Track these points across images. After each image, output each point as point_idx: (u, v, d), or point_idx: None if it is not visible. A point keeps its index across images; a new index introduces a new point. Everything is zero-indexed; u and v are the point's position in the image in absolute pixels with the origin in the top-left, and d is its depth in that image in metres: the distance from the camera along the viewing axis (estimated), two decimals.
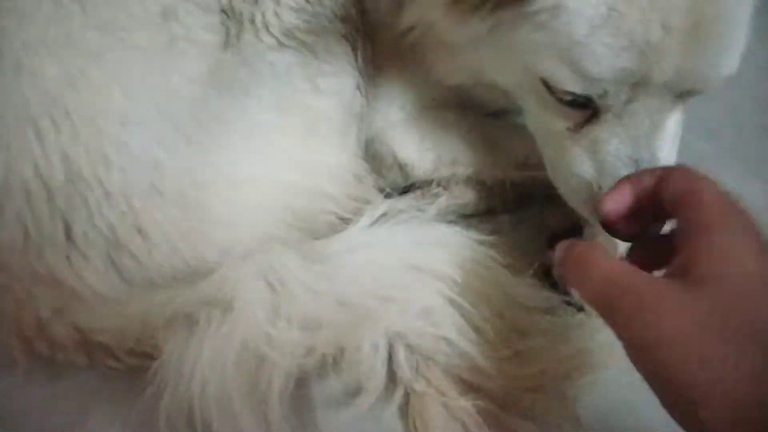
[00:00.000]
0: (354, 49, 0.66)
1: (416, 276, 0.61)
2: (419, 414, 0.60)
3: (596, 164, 0.57)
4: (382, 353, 0.60)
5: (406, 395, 0.62)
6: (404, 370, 0.60)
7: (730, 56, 0.51)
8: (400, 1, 0.63)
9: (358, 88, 0.67)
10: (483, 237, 0.71)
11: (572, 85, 0.52)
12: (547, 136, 0.62)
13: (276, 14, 0.61)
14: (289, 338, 0.53)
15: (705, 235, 0.41)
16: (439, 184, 0.80)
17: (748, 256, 0.39)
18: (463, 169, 0.79)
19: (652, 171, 0.50)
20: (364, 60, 0.68)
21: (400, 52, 0.70)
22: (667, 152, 0.56)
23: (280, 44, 0.60)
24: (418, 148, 0.77)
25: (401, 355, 0.61)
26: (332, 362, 0.58)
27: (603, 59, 0.49)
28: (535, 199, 0.81)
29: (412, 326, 0.59)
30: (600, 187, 0.57)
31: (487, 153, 0.78)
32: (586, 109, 0.55)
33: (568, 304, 0.70)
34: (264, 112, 0.60)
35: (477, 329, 0.60)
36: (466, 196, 0.80)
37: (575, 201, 0.62)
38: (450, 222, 0.78)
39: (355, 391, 0.60)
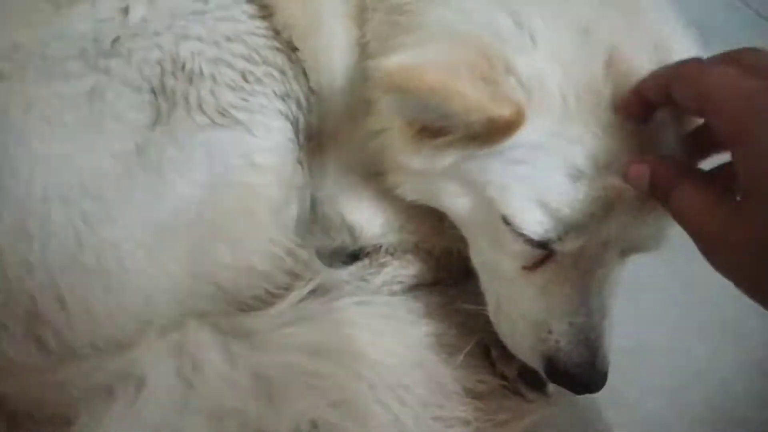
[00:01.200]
0: (294, 124, 0.66)
1: (338, 360, 0.60)
2: None
3: (547, 307, 0.57)
4: None
5: None
6: None
7: (668, 227, 0.53)
8: (368, 103, 0.64)
9: (299, 162, 0.67)
10: (420, 316, 0.71)
11: (536, 227, 0.52)
12: (496, 275, 0.61)
13: (212, 93, 0.61)
14: (197, 429, 0.53)
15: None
16: (387, 251, 0.80)
17: None
18: (411, 236, 0.78)
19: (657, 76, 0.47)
20: (306, 133, 0.68)
21: (353, 126, 0.71)
22: (614, 302, 0.57)
23: (214, 123, 0.61)
24: (366, 212, 0.77)
25: None
26: None
27: (577, 204, 0.50)
28: None
29: (330, 415, 0.58)
30: (550, 332, 0.57)
31: (435, 221, 0.78)
32: (543, 249, 0.55)
33: (505, 387, 0.69)
34: (195, 189, 0.60)
35: (396, 419, 0.59)
36: (413, 266, 0.79)
37: (521, 345, 0.61)
38: (394, 293, 0.79)
39: None
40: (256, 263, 0.63)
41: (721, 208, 0.39)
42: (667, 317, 0.81)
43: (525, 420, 0.65)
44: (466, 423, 0.63)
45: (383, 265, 0.78)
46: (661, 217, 0.52)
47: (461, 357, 0.69)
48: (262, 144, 0.63)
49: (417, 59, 0.47)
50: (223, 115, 0.61)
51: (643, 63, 0.49)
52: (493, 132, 0.50)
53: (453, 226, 0.76)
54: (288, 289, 0.65)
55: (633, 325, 0.79)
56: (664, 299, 0.82)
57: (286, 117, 0.65)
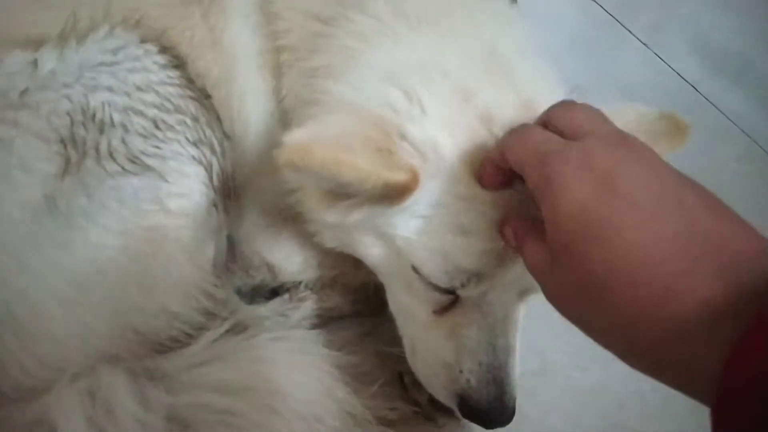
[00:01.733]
0: (208, 169, 0.69)
1: (251, 396, 0.62)
2: None
3: (457, 348, 0.62)
4: None
5: None
6: None
7: None
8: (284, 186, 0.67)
9: (214, 204, 0.70)
10: (336, 348, 0.75)
11: (440, 277, 0.58)
12: (410, 319, 0.66)
13: (123, 141, 0.63)
14: None
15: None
16: (306, 287, 0.83)
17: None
18: (329, 272, 0.82)
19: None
20: (221, 177, 0.71)
21: (269, 171, 0.74)
22: (517, 340, 0.63)
23: (125, 170, 0.62)
24: (284, 250, 0.80)
25: None
26: None
27: (471, 257, 0.56)
28: None
29: None
30: (461, 371, 0.62)
31: (352, 258, 0.82)
32: (450, 294, 0.61)
33: (417, 414, 0.73)
34: (107, 236, 0.62)
35: None
36: (332, 300, 0.83)
37: (436, 385, 0.65)
38: (314, 326, 0.82)
39: None
40: (170, 305, 0.65)
41: (549, 258, 0.44)
42: (569, 338, 0.87)
43: None
44: None
45: (302, 299, 0.82)
46: None
47: (376, 386, 0.72)
48: (174, 189, 0.65)
49: (312, 134, 0.51)
50: (134, 162, 0.63)
51: (515, 120, 0.55)
52: (392, 195, 0.54)
53: None
54: (204, 329, 0.67)
55: (538, 346, 0.85)
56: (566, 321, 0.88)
57: (200, 162, 0.68)
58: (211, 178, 0.69)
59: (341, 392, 0.67)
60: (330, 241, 0.69)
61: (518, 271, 0.58)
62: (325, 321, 0.83)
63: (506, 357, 0.61)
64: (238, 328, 0.69)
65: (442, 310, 0.63)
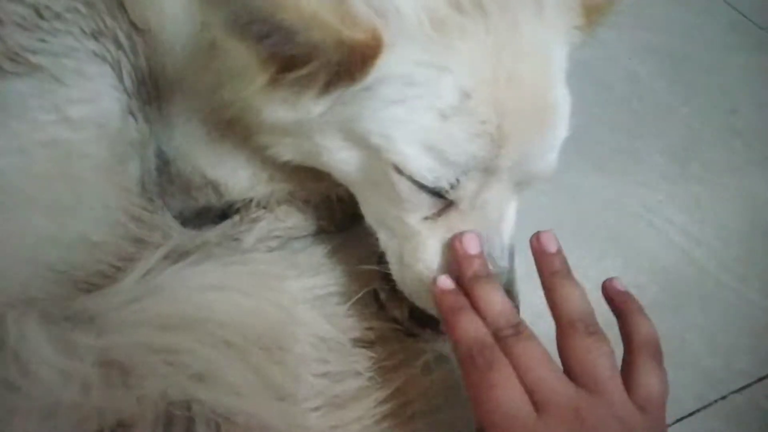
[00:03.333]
0: (116, 68, 0.56)
1: (199, 329, 0.53)
2: None
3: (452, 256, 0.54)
4: (177, 423, 0.52)
5: None
6: None
7: (557, 147, 0.52)
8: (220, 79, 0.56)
9: (130, 112, 0.58)
10: (301, 269, 0.65)
11: (426, 173, 0.49)
12: (397, 230, 0.57)
13: None
14: None
15: None
16: (259, 205, 0.72)
17: None
18: (284, 185, 0.71)
19: None
20: (135, 78, 0.59)
21: (201, 69, 0.61)
22: (511, 238, 0.55)
23: (4, 71, 0.50)
24: (229, 164, 0.68)
25: (199, 422, 0.53)
26: None
27: (460, 143, 0.48)
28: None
29: (198, 391, 0.51)
30: None
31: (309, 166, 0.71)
32: (441, 198, 0.52)
33: (396, 330, 0.65)
34: None
35: (275, 383, 0.54)
36: (290, 218, 0.72)
37: (427, 298, 0.56)
38: (272, 249, 0.72)
39: None
40: (89, 234, 0.54)
41: None
42: None
43: (419, 360, 0.61)
44: (357, 374, 0.59)
45: (256, 220, 0.71)
46: (549, 142, 0.52)
47: (347, 307, 0.64)
48: (74, 93, 0.53)
49: None
50: (15, 61, 0.50)
51: None
52: (352, 61, 0.46)
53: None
54: (135, 259, 0.56)
55: None
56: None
57: (103, 59, 0.55)
58: (121, 79, 0.57)
59: (307, 315, 0.58)
60: (287, 151, 0.58)
61: (514, 157, 0.49)
62: (284, 242, 0.73)
63: (502, 261, 0.54)
64: (175, 256, 0.59)
65: (435, 214, 0.54)
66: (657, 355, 0.47)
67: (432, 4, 0.47)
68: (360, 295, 0.65)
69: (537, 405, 0.43)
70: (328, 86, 0.49)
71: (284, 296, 0.58)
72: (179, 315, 0.53)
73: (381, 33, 0.45)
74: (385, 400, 0.58)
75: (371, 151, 0.52)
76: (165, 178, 0.67)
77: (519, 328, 0.47)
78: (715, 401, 0.65)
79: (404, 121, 0.48)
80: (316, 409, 0.55)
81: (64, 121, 0.53)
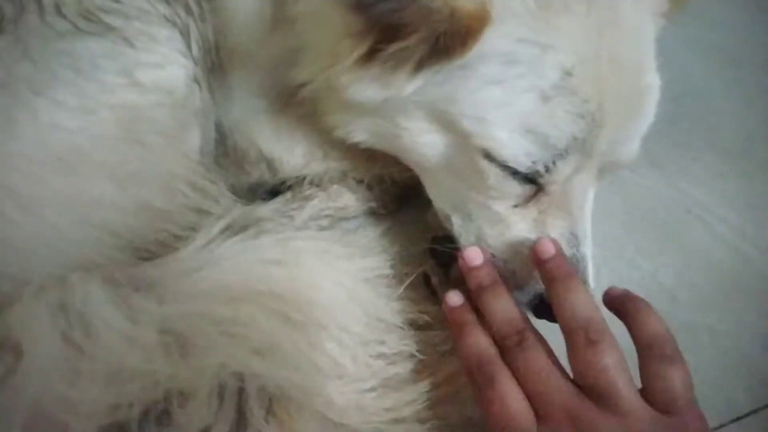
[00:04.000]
0: (185, 34, 0.55)
1: (260, 302, 0.52)
2: None
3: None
4: (229, 394, 0.52)
5: None
6: (253, 411, 0.52)
7: (644, 132, 0.52)
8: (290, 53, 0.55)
9: (195, 80, 0.57)
10: (353, 249, 0.64)
11: (522, 159, 0.48)
12: (480, 219, 0.56)
13: None
14: (91, 398, 0.44)
15: None
16: (312, 183, 0.71)
17: None
18: (337, 164, 0.70)
19: None
20: (202, 46, 0.58)
21: (266, 40, 0.60)
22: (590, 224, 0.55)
23: (78, 29, 0.49)
24: (285, 140, 0.67)
25: (251, 394, 0.52)
26: (160, 412, 0.49)
27: (561, 124, 0.47)
28: (417, 198, 0.73)
29: (256, 364, 0.50)
30: None
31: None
32: (532, 184, 0.51)
33: None
34: (63, 114, 0.49)
35: (332, 361, 0.53)
36: (342, 198, 0.71)
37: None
38: (323, 228, 0.71)
39: None
40: (152, 201, 0.53)
41: None
42: (609, 230, 0.78)
43: None
44: (410, 357, 0.57)
45: (308, 198, 0.70)
46: (641, 126, 0.51)
47: (401, 289, 0.63)
48: (144, 57, 0.52)
49: None
50: (88, 19, 0.50)
51: None
52: (457, 32, 0.44)
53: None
54: (195, 229, 0.56)
55: None
56: (609, 213, 0.78)
57: (174, 24, 0.55)
58: (189, 46, 0.56)
59: (365, 295, 0.57)
60: (361, 133, 0.57)
61: (611, 140, 0.49)
62: (335, 221, 0.72)
63: (585, 248, 0.53)
64: (235, 228, 0.58)
65: (527, 200, 0.53)
66: (668, 351, 0.44)
67: None
68: (412, 278, 0.64)
69: (537, 415, 0.44)
70: (424, 62, 0.47)
71: (343, 275, 0.57)
72: (239, 287, 0.53)
73: (488, 6, 0.44)
74: (438, 385, 0.57)
75: (460, 135, 0.51)
76: (221, 150, 0.66)
77: (523, 335, 0.46)
78: None
79: (502, 103, 0.47)
80: (372, 389, 0.54)
81: (132, 85, 0.52)
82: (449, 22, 0.43)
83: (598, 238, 0.75)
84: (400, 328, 0.59)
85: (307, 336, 0.52)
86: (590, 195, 0.54)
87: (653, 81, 0.50)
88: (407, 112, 0.52)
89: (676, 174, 0.87)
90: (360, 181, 0.71)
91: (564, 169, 0.49)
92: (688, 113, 0.96)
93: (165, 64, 0.54)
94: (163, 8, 0.54)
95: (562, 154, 0.47)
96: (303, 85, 0.56)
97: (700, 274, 0.75)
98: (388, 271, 0.65)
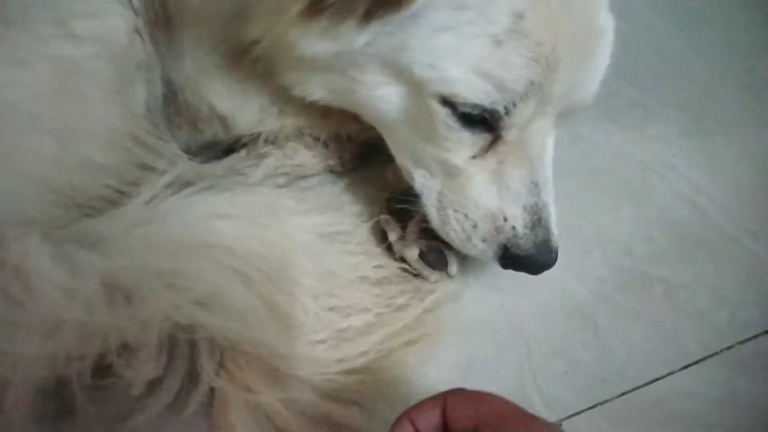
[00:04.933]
0: None
1: (206, 255, 0.52)
2: (222, 412, 0.52)
3: (500, 191, 0.54)
4: (180, 349, 0.52)
5: (211, 390, 0.53)
6: (204, 365, 0.52)
7: (602, 74, 0.53)
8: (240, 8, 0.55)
9: (137, 31, 0.55)
10: (310, 206, 0.64)
11: (481, 96, 0.48)
12: (438, 170, 0.56)
13: None
14: (29, 351, 0.43)
15: None
16: (267, 141, 0.70)
17: None
18: (293, 121, 0.69)
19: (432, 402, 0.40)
20: None
21: None
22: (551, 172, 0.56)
23: None
24: (238, 97, 0.66)
25: (202, 348, 0.52)
26: (103, 365, 0.49)
27: (516, 68, 0.47)
28: (376, 156, 0.73)
29: (200, 316, 0.50)
30: (505, 218, 0.54)
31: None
32: (489, 132, 0.52)
33: (405, 270, 0.64)
34: None
35: (282, 313, 0.53)
36: (298, 155, 0.70)
37: (471, 240, 0.56)
38: (280, 186, 0.70)
39: (147, 393, 0.51)
40: (93, 156, 0.52)
41: None
42: (567, 187, 0.78)
43: (425, 301, 0.60)
44: (365, 310, 0.58)
45: (263, 156, 0.69)
46: (597, 68, 0.52)
47: (354, 245, 0.63)
48: (79, 6, 0.51)
49: None
50: None
51: None
52: None
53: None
54: (139, 185, 0.55)
55: None
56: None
57: None
58: None
59: (317, 249, 0.57)
60: (317, 89, 0.57)
61: (567, 83, 0.49)
62: (291, 179, 0.71)
63: (547, 195, 0.54)
64: (179, 184, 0.58)
65: (484, 149, 0.53)
66: None
67: None
68: (367, 233, 0.64)
69: None
70: (371, 13, 0.47)
71: (294, 229, 0.57)
72: (185, 240, 0.52)
73: None
74: (391, 336, 0.58)
75: (414, 84, 0.50)
76: (173, 108, 0.64)
77: None
78: (721, 351, 0.65)
79: (454, 49, 0.47)
80: (323, 341, 0.55)
81: (67, 36, 0.50)
82: None
83: (556, 193, 0.76)
84: (354, 282, 0.59)
85: (254, 287, 0.52)
86: (550, 142, 0.54)
87: (606, 22, 0.50)
88: (361, 65, 0.51)
89: (635, 130, 0.87)
90: (317, 139, 0.71)
91: (523, 112, 0.49)
92: (649, 70, 0.96)
93: (102, 14, 0.52)
94: None
95: (521, 97, 0.48)
96: (255, 42, 0.56)
97: (656, 229, 0.76)
98: (346, 228, 0.65)
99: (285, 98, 0.67)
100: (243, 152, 0.69)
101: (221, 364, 0.53)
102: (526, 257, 0.54)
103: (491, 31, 0.46)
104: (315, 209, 0.65)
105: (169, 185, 0.55)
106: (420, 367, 0.57)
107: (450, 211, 0.56)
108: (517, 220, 0.54)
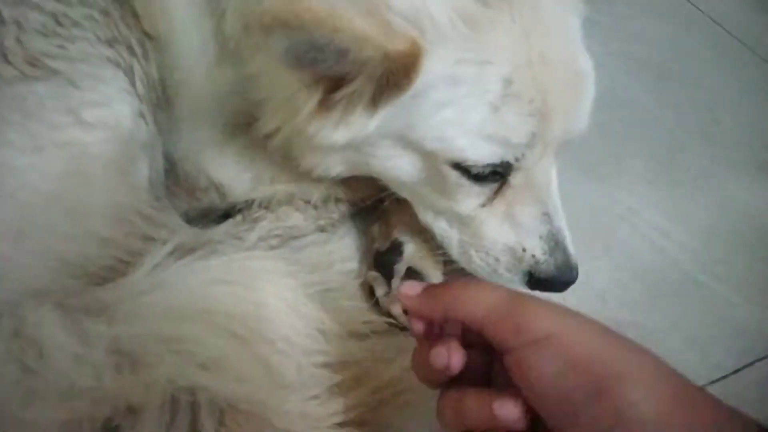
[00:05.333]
0: (129, 73, 0.59)
1: (206, 320, 0.56)
2: None
3: (514, 228, 0.60)
4: (183, 408, 0.55)
5: None
6: (205, 423, 0.55)
7: (590, 107, 0.58)
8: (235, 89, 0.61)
9: (141, 115, 0.61)
10: (301, 266, 0.68)
11: (490, 157, 0.54)
12: (456, 221, 0.62)
13: (18, 41, 0.53)
14: (44, 416, 0.47)
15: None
16: (261, 205, 0.75)
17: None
18: (285, 187, 0.74)
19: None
20: (147, 83, 0.62)
21: (213, 74, 0.65)
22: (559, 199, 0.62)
23: (24, 75, 0.53)
24: (232, 167, 0.71)
25: (203, 407, 0.56)
26: (111, 428, 0.52)
27: (515, 126, 0.52)
28: (363, 215, 0.78)
29: (203, 378, 0.54)
30: (524, 249, 0.60)
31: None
32: (495, 181, 0.58)
33: (392, 325, 0.68)
34: (14, 153, 0.53)
35: (277, 372, 0.56)
36: (290, 218, 0.75)
37: (498, 272, 0.62)
38: (273, 247, 0.75)
39: None
40: (100, 230, 0.57)
41: None
42: None
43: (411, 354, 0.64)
44: (353, 364, 0.61)
45: (257, 220, 0.74)
46: (585, 104, 0.58)
47: (345, 300, 0.67)
48: (88, 97, 0.56)
49: None
50: (34, 65, 0.53)
51: None
52: (397, 71, 0.49)
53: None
54: (143, 254, 0.59)
55: None
56: None
57: (117, 65, 0.58)
58: (133, 83, 0.60)
59: (307, 308, 0.61)
60: (336, 167, 0.63)
61: (562, 125, 0.55)
62: (284, 241, 0.75)
63: (559, 221, 0.60)
64: (182, 252, 0.62)
65: (491, 198, 0.59)
66: None
67: (459, 4, 0.50)
68: (355, 292, 0.69)
69: None
70: (376, 100, 0.52)
71: (286, 291, 0.61)
72: (186, 307, 0.56)
73: (419, 41, 0.48)
74: (380, 389, 0.61)
75: (426, 154, 0.56)
76: (171, 179, 0.70)
77: None
78: None
79: (457, 121, 0.53)
80: (316, 397, 0.58)
81: (78, 123, 0.56)
82: (385, 64, 0.47)
83: None
84: (343, 338, 0.63)
85: (251, 349, 0.56)
86: (553, 173, 0.60)
87: (585, 64, 0.57)
88: (373, 143, 0.57)
89: (608, 181, 0.93)
90: (307, 202, 0.76)
91: (531, 158, 0.55)
92: (620, 123, 1.02)
93: (109, 103, 0.58)
94: (106, 51, 0.58)
95: (527, 146, 0.54)
96: (272, 134, 0.61)
97: (628, 275, 0.80)
98: (336, 285, 0.70)
99: (276, 167, 0.73)
100: (239, 217, 0.74)
101: (221, 422, 0.56)
102: (550, 279, 0.60)
103: (487, 99, 0.52)
104: (307, 268, 0.69)
105: (171, 253, 0.59)
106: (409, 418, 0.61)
107: (472, 252, 0.63)
108: (536, 249, 0.60)
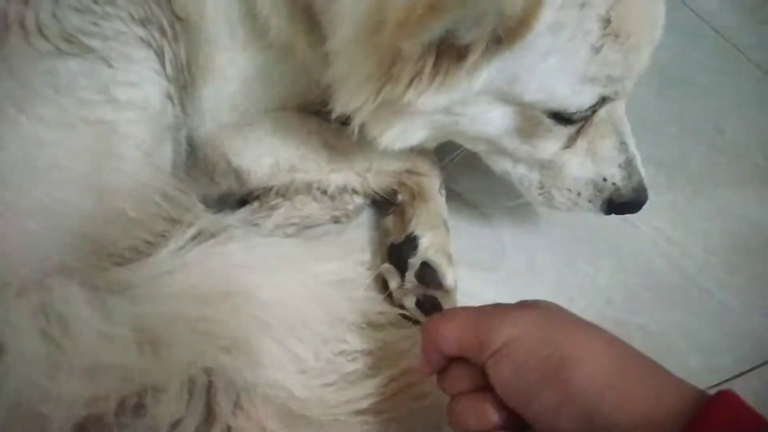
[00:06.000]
0: (159, 54, 0.60)
1: (228, 303, 0.56)
2: None
3: (595, 161, 0.64)
4: (199, 389, 0.56)
5: (228, 429, 0.57)
6: (221, 404, 0.56)
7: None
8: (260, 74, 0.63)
9: (168, 96, 0.61)
10: (318, 254, 0.69)
11: (592, 100, 0.57)
12: (540, 165, 0.65)
13: (54, 16, 0.53)
14: (70, 390, 0.47)
15: None
16: (278, 193, 0.76)
17: None
18: (303, 176, 0.75)
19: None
20: (175, 65, 0.62)
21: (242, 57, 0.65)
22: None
23: (59, 50, 0.53)
24: (253, 153, 0.72)
25: (220, 388, 0.56)
26: (135, 405, 0.53)
27: (616, 63, 0.55)
28: (377, 207, 0.79)
29: (223, 360, 0.54)
30: (605, 179, 0.64)
31: (329, 159, 0.75)
32: (578, 123, 0.60)
33: (404, 317, 0.69)
34: (44, 129, 0.53)
35: (296, 358, 0.57)
36: (307, 207, 0.76)
37: (579, 204, 0.66)
38: (288, 235, 0.75)
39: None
40: (126, 210, 0.57)
41: None
42: (556, 236, 0.84)
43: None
44: (369, 354, 0.62)
45: (274, 207, 0.75)
46: (655, 46, 0.60)
47: (361, 291, 0.68)
48: (120, 76, 0.56)
49: None
50: (69, 41, 0.53)
51: None
52: (516, 25, 0.49)
53: (347, 162, 0.73)
54: (167, 236, 0.59)
55: (525, 246, 0.82)
56: (550, 221, 0.85)
57: (149, 45, 0.59)
58: (163, 64, 0.60)
59: (329, 297, 0.62)
60: (419, 133, 0.62)
61: (648, 51, 0.58)
62: (300, 229, 0.76)
63: (633, 147, 0.64)
64: (204, 236, 0.62)
65: (574, 138, 0.62)
66: None
67: None
68: (371, 280, 0.69)
69: None
70: (485, 58, 0.52)
71: (306, 277, 0.62)
72: (209, 289, 0.57)
73: None
74: (393, 379, 0.62)
75: (522, 104, 0.57)
76: (191, 162, 0.70)
77: None
78: None
79: (561, 68, 0.54)
80: (332, 384, 0.59)
81: (109, 102, 0.56)
82: (503, 19, 0.48)
83: (543, 246, 0.83)
84: (360, 327, 0.64)
85: (272, 334, 0.56)
86: (623, 106, 0.63)
87: (662, 8, 0.59)
88: (469, 102, 0.57)
89: None
90: (323, 192, 0.76)
91: (625, 91, 0.58)
92: None
93: (140, 83, 0.58)
94: (139, 30, 0.58)
95: (626, 78, 0.57)
96: (349, 118, 0.59)
97: (633, 278, 0.82)
98: (352, 275, 0.70)
99: (296, 156, 0.73)
100: (256, 204, 0.75)
101: (238, 404, 0.57)
102: (629, 202, 0.66)
103: (589, 42, 0.53)
104: (322, 258, 0.70)
105: (194, 237, 0.60)
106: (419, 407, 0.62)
107: (553, 191, 0.66)
108: (616, 177, 0.64)
